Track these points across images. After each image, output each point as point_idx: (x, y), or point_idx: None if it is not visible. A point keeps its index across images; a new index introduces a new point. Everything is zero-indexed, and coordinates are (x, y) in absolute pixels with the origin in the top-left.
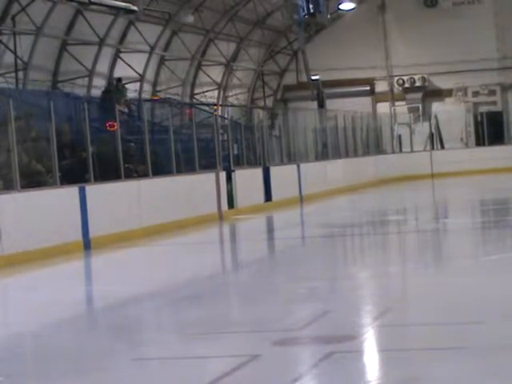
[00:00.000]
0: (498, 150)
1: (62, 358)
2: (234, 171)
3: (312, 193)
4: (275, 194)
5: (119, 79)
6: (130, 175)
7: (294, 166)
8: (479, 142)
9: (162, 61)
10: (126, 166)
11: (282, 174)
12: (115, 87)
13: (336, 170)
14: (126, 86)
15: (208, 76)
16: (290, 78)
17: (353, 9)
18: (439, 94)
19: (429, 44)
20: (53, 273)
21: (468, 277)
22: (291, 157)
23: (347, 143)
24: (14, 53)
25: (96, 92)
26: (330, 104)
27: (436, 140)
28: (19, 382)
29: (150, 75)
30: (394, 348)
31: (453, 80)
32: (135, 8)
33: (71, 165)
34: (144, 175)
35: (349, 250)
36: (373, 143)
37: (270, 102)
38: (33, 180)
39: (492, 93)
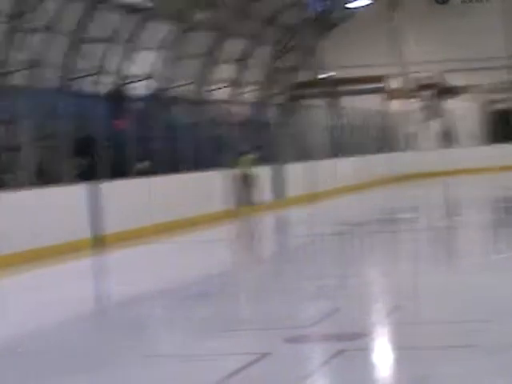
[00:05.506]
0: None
1: (73, 355)
2: None
3: (323, 190)
4: (286, 192)
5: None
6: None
7: (306, 164)
8: (493, 140)
9: (174, 58)
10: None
11: (294, 172)
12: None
13: (348, 168)
14: (137, 83)
15: (220, 73)
16: (302, 76)
17: (366, 5)
18: (453, 91)
19: (442, 41)
20: (63, 270)
21: (478, 275)
22: (304, 154)
23: (360, 140)
24: (26, 50)
25: (107, 89)
26: (343, 101)
27: (449, 137)
28: (25, 379)
29: (161, 73)
30: (404, 346)
31: (467, 77)
32: (147, 5)
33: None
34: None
35: (359, 247)
36: (386, 141)
37: (282, 99)
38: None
39: (506, 90)
